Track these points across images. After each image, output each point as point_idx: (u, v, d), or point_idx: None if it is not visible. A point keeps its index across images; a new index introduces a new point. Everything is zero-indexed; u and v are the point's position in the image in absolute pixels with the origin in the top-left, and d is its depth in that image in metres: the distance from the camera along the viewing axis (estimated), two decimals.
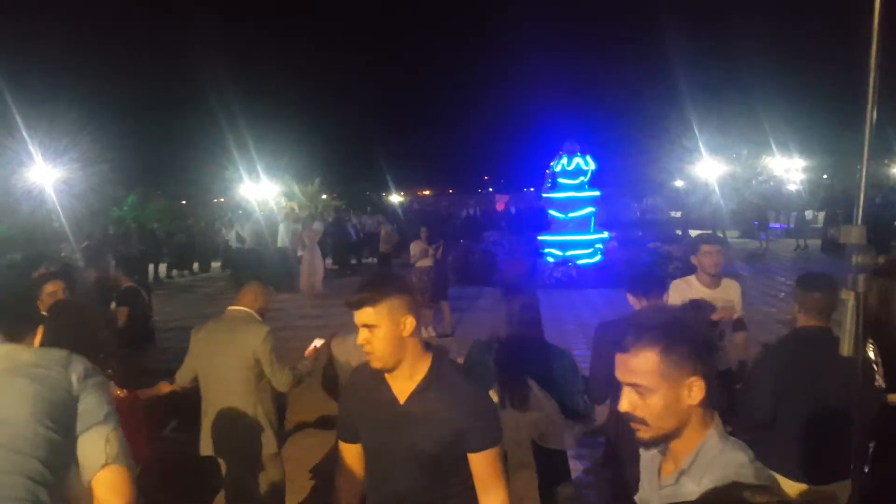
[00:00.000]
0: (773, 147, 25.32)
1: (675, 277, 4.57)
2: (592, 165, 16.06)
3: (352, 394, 2.26)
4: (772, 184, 26.60)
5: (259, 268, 13.42)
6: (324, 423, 5.74)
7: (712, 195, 23.47)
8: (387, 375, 2.11)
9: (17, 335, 2.00)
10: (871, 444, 3.24)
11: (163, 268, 19.59)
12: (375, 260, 19.19)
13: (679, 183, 29.15)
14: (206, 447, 3.87)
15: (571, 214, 15.77)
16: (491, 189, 70.81)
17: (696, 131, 23.00)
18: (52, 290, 4.27)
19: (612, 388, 2.92)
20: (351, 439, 2.25)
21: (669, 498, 1.53)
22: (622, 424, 2.36)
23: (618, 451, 3.25)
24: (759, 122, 23.96)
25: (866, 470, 3.05)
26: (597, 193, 16.28)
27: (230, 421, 3.76)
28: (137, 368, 5.30)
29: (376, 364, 2.07)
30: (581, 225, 15.82)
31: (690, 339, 1.51)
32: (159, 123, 30.25)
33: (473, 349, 3.35)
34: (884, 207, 19.49)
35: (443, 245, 10.46)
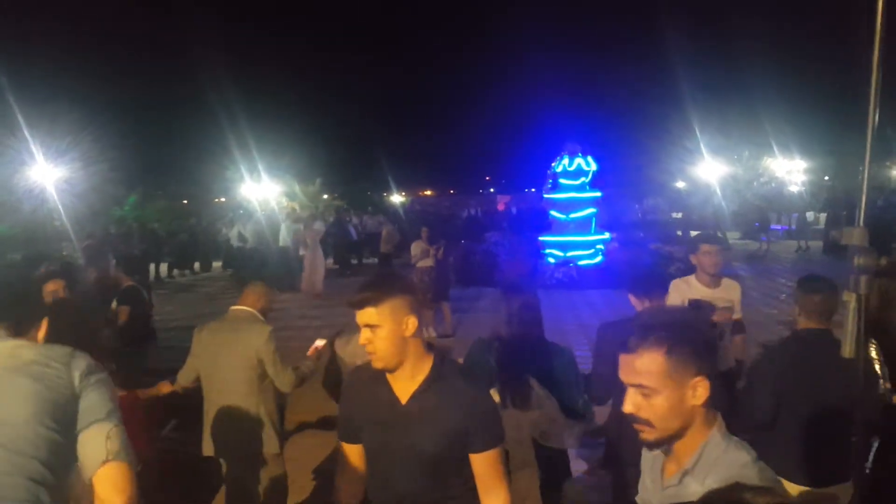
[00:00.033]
0: (775, 148, 25.24)
1: (675, 278, 4.56)
2: (594, 166, 16.04)
3: (353, 394, 2.25)
4: (773, 185, 26.52)
5: (262, 267, 13.42)
6: (324, 423, 5.73)
7: (713, 196, 23.43)
8: (388, 375, 2.11)
9: (22, 329, 1.99)
10: (875, 444, 3.25)
11: (164, 267, 19.57)
12: (376, 260, 19.15)
13: (680, 184, 29.14)
14: (208, 447, 3.86)
15: (572, 215, 15.75)
16: (492, 189, 70.75)
17: (698, 132, 22.98)
18: (52, 289, 4.26)
19: (615, 389, 2.92)
20: (352, 439, 2.24)
21: (673, 498, 1.53)
22: (624, 425, 2.36)
23: (619, 451, 3.24)
24: (761, 123, 23.89)
25: (867, 471, 3.05)
26: (598, 194, 16.25)
27: (233, 421, 3.75)
28: (138, 368, 5.31)
29: (378, 364, 2.06)
30: (582, 226, 15.81)
31: (694, 339, 1.51)
32: (160, 123, 30.20)
33: (474, 348, 3.34)
34: (885, 209, 19.43)
35: (444, 245, 10.43)
